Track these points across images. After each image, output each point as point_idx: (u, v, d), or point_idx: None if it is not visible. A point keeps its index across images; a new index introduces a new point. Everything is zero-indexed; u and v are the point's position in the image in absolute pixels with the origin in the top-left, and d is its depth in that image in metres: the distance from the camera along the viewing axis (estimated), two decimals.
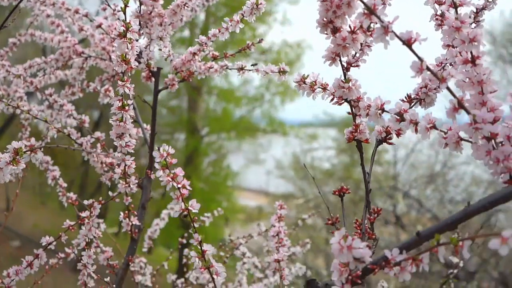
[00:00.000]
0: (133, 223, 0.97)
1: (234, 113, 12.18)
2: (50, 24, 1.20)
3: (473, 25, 0.71)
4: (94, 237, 0.99)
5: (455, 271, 1.07)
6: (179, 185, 0.62)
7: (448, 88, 0.51)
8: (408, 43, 0.51)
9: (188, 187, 0.63)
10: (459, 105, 0.51)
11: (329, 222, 0.65)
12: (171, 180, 0.62)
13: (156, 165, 0.61)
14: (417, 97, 0.68)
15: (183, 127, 11.51)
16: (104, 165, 1.03)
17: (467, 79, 0.54)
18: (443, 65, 0.69)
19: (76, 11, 1.10)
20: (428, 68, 0.51)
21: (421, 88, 0.68)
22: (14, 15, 0.77)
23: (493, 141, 0.52)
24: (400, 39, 0.51)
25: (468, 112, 0.51)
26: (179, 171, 0.63)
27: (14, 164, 0.68)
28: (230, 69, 0.98)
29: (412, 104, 0.69)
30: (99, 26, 1.06)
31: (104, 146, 1.05)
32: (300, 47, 10.72)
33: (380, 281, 1.11)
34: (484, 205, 0.50)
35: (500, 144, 0.52)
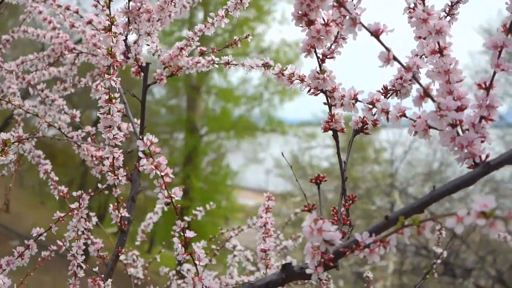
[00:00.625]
0: (122, 214, 0.99)
1: (233, 112, 12.21)
2: (42, 20, 1.22)
3: (448, 18, 0.73)
4: (85, 228, 1.01)
5: (438, 261, 1.09)
6: (163, 173, 0.64)
7: (414, 77, 0.53)
8: (376, 34, 0.53)
9: (171, 175, 0.65)
10: (425, 93, 0.54)
11: (306, 209, 0.67)
12: (154, 168, 0.64)
13: (140, 154, 0.63)
14: (393, 88, 0.70)
15: (182, 126, 11.53)
16: (94, 159, 1.05)
17: (436, 69, 0.56)
18: (418, 57, 0.71)
19: (67, 8, 1.12)
20: (395, 58, 0.53)
21: (396, 79, 0.70)
22: (1, 9, 0.79)
23: (459, 128, 0.55)
24: (368, 30, 0.53)
25: (433, 100, 0.54)
26: (163, 160, 0.65)
27: (3, 155, 0.70)
28: (217, 63, 1.01)
29: (389, 95, 0.71)
30: (90, 22, 1.09)
31: (95, 140, 1.07)
32: (298, 46, 10.69)
33: (366, 271, 1.13)
34: (448, 189, 0.52)
35: (466, 131, 0.55)
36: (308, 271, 0.57)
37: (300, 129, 11.47)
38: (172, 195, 0.65)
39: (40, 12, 1.23)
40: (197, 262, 0.67)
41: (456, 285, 5.67)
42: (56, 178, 1.13)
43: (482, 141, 0.54)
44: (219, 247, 1.32)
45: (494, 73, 0.55)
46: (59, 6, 1.13)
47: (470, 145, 0.52)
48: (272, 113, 11.74)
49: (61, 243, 1.15)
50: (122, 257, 1.35)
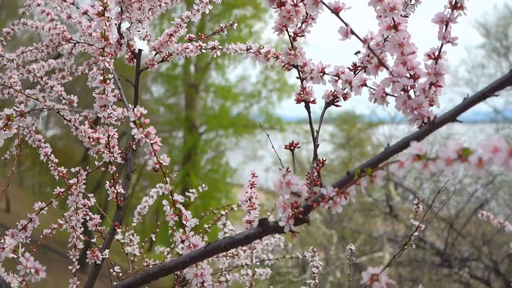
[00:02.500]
0: (118, 191, 1.07)
1: (232, 110, 12.27)
2: (40, 12, 1.29)
3: (413, 1, 0.80)
4: (83, 205, 1.08)
5: (416, 233, 1.17)
6: (152, 141, 0.72)
7: (369, 48, 0.61)
8: (336, 11, 0.60)
9: (160, 144, 0.72)
10: (380, 63, 0.61)
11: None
12: (144, 137, 0.71)
13: (131, 124, 0.70)
14: (362, 64, 0.77)
15: (181, 124, 11.61)
16: (91, 140, 1.12)
17: (391, 42, 0.64)
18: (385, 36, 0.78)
19: (64, 0, 1.19)
20: (352, 32, 0.60)
21: (364, 57, 0.77)
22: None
23: (412, 92, 0.62)
24: (329, 8, 0.60)
25: (387, 68, 0.61)
26: (152, 129, 0.72)
27: (7, 129, 0.77)
28: (204, 49, 1.08)
29: (358, 71, 0.78)
30: (85, 13, 1.15)
31: (92, 123, 1.14)
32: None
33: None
34: (400, 145, 0.59)
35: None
36: (281, 223, 0.64)
37: (299, 126, 11.54)
38: (161, 161, 0.73)
39: (38, 5, 1.30)
40: (184, 222, 0.74)
41: (452, 275, 5.75)
42: (56, 160, 1.20)
43: (431, 105, 0.61)
44: (211, 225, 1.40)
45: (442, 44, 0.62)
46: None
47: (419, 107, 0.60)
48: (270, 111, 11.82)
49: (62, 222, 1.23)
50: (119, 237, 1.43)
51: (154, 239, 1.50)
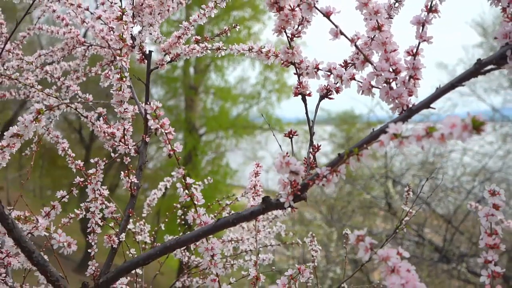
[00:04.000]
0: (132, 181, 1.16)
1: (231, 112, 12.37)
2: (56, 18, 1.39)
3: (397, 4, 0.90)
4: (100, 194, 1.18)
5: (406, 219, 1.26)
6: (167, 131, 0.81)
7: (356, 46, 0.70)
8: (327, 15, 0.70)
9: (173, 133, 0.82)
10: (365, 59, 0.71)
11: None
12: (160, 127, 0.81)
13: (148, 116, 0.80)
14: (351, 61, 0.87)
15: (181, 126, 11.69)
16: (106, 135, 1.22)
17: (376, 42, 0.73)
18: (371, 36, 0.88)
19: (79, 6, 1.29)
20: (341, 33, 0.70)
21: (354, 54, 0.87)
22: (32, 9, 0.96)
23: (393, 84, 0.72)
24: (321, 12, 0.70)
25: (372, 64, 0.71)
26: (166, 121, 0.82)
27: (37, 122, 0.86)
28: (209, 49, 1.17)
29: (348, 67, 0.87)
30: (99, 17, 1.25)
31: (106, 119, 1.24)
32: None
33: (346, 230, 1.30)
34: (382, 129, 0.68)
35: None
36: (281, 199, 0.74)
37: (298, 127, 11.64)
38: (174, 148, 0.82)
39: (54, 11, 1.40)
40: (196, 202, 0.84)
41: (451, 271, 5.84)
42: (73, 154, 1.29)
43: (410, 95, 0.71)
44: (215, 214, 1.49)
45: (419, 43, 0.71)
46: (72, 4, 1.30)
47: (400, 97, 0.69)
48: (270, 112, 11.91)
49: (78, 212, 1.32)
50: (130, 226, 1.52)
51: (163, 227, 1.59)
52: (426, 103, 0.66)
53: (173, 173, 1.74)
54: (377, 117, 8.89)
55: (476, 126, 0.47)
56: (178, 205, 1.49)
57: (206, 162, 12.19)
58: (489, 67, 0.64)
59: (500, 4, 0.66)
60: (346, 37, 0.70)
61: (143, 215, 1.60)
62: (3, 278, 1.07)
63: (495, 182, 7.37)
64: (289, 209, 0.77)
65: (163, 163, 11.65)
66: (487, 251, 0.69)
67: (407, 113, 0.67)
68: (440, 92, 0.65)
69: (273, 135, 1.12)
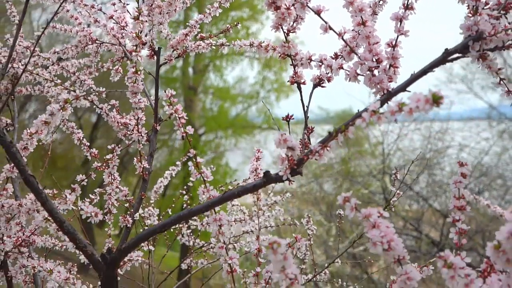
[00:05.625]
0: (144, 166, 1.27)
1: (230, 111, 12.47)
2: (70, 17, 1.50)
3: (381, 1, 1.01)
4: (114, 179, 1.29)
5: (394, 198, 1.37)
6: (180, 116, 0.93)
7: (343, 40, 0.82)
8: (318, 12, 0.81)
9: (185, 117, 0.93)
10: (351, 50, 0.82)
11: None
12: (174, 112, 0.93)
13: (164, 102, 0.91)
14: (340, 53, 0.98)
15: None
16: (119, 124, 1.33)
17: (360, 35, 0.85)
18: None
19: (92, 6, 1.40)
20: (330, 28, 0.81)
21: (343, 47, 0.98)
22: (57, 13, 1.07)
23: (376, 72, 0.83)
24: (313, 10, 0.81)
25: (356, 54, 0.82)
26: (179, 107, 0.93)
27: (63, 110, 0.98)
28: (214, 45, 1.29)
29: (338, 58, 0.99)
30: (111, 17, 1.36)
31: (119, 110, 1.35)
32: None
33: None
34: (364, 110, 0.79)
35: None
36: (280, 173, 0.85)
37: (297, 126, 11.76)
38: (187, 131, 0.93)
39: (68, 11, 1.51)
40: (205, 178, 0.95)
41: None
42: (88, 143, 1.40)
43: (390, 81, 0.82)
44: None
45: (397, 36, 0.83)
46: (85, 5, 1.41)
47: (381, 82, 0.81)
48: (269, 111, 12.01)
49: (93, 197, 1.43)
50: (140, 211, 1.63)
51: (170, 213, 1.71)
52: (403, 87, 0.77)
53: (177, 163, 1.86)
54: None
55: (436, 100, 0.58)
56: (184, 192, 1.60)
57: (206, 162, 12.30)
58: (455, 55, 0.75)
59: (466, 1, 0.78)
60: (335, 31, 0.82)
61: (151, 201, 1.72)
62: (27, 257, 1.19)
63: (491, 177, 7.50)
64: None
65: (163, 163, 11.75)
66: (455, 212, 0.80)
67: (387, 96, 0.78)
68: (414, 78, 0.76)
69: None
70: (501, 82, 0.78)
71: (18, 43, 1.63)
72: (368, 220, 0.69)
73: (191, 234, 1.63)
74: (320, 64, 0.89)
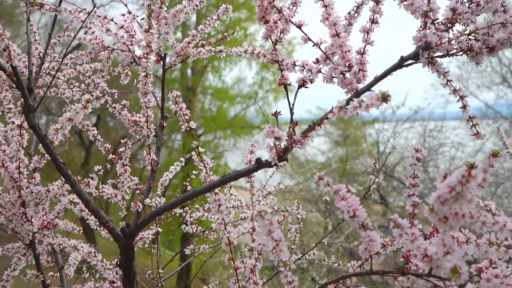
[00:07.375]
0: (153, 158, 1.45)
1: (229, 112, 12.64)
2: (84, 27, 1.67)
3: (356, 14, 1.19)
4: (125, 170, 1.46)
5: (374, 186, 1.55)
6: (184, 113, 1.10)
7: (320, 49, 0.99)
8: (299, 26, 0.99)
9: (188, 114, 1.11)
10: (326, 57, 1.00)
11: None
12: (179, 110, 1.10)
13: (170, 101, 1.09)
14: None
15: (180, 127, 11.96)
16: (130, 121, 1.50)
17: (334, 45, 1.02)
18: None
19: (105, 17, 1.58)
20: (309, 39, 0.99)
21: (321, 54, 1.16)
22: (82, 30, 1.25)
23: (348, 74, 1.01)
24: (295, 25, 0.99)
25: (331, 60, 1.00)
26: (183, 105, 1.10)
27: (85, 109, 1.15)
28: (213, 52, 1.46)
29: (318, 64, 1.16)
30: (122, 27, 1.54)
31: (129, 109, 1.52)
32: (291, 45, 11.20)
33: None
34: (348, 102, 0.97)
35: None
36: (269, 159, 1.03)
37: (296, 126, 11.90)
38: (190, 125, 1.11)
39: (83, 21, 1.69)
40: (206, 165, 1.12)
41: None
42: (102, 140, 1.58)
43: (359, 82, 1.00)
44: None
45: (365, 45, 1.00)
46: (99, 16, 1.58)
47: (351, 84, 0.98)
48: (267, 111, 12.20)
49: (107, 187, 1.60)
50: (147, 201, 1.81)
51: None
52: (367, 88, 0.95)
53: (181, 159, 2.04)
54: (371, 115, 9.21)
55: (384, 98, 0.76)
56: (188, 183, 1.77)
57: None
58: (409, 62, 0.93)
59: (418, 17, 0.95)
60: (312, 41, 0.99)
61: (157, 192, 1.89)
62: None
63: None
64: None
65: (162, 163, 11.90)
66: (410, 188, 0.98)
67: (355, 94, 0.96)
68: (376, 80, 0.94)
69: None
70: (448, 83, 0.95)
71: (34, 48, 1.80)
72: (338, 194, 0.86)
73: (194, 222, 1.81)
74: (303, 68, 1.07)
